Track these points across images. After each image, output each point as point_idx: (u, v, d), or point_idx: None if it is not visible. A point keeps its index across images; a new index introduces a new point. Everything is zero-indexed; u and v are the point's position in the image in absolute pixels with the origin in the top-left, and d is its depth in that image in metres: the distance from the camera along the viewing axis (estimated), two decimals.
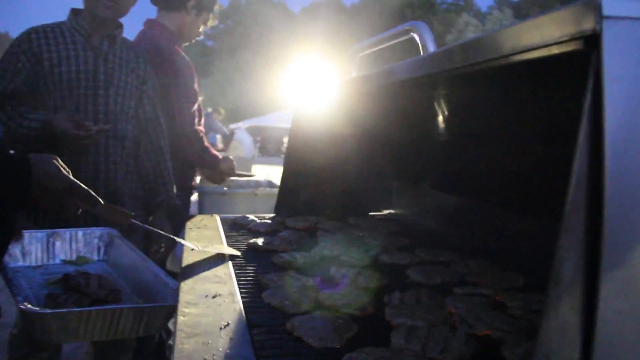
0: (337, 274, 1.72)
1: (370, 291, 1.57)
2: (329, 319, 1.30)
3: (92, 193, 1.38)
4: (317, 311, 1.36)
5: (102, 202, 1.42)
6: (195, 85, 3.30)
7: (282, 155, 6.22)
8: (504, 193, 2.21)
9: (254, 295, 1.57)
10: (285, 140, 10.54)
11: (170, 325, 2.44)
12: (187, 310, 1.41)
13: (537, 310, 1.42)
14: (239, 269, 1.83)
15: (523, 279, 1.69)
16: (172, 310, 1.67)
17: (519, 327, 1.29)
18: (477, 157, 2.45)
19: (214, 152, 3.38)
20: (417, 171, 2.94)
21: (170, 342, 3.32)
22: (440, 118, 2.14)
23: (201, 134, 3.30)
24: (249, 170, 8.63)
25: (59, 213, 1.39)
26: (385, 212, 3.10)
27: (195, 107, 3.26)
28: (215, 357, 1.14)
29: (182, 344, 1.19)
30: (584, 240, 0.70)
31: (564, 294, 0.72)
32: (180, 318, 1.35)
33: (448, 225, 2.52)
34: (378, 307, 1.45)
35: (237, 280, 1.70)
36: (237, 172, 3.47)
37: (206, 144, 3.32)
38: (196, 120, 3.25)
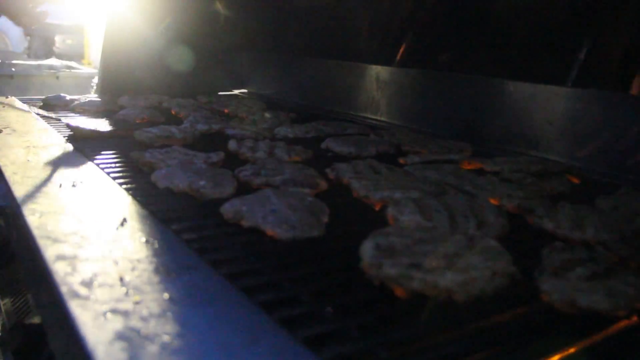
0: (243, 148, 1.27)
1: (302, 164, 1.16)
2: (289, 196, 0.87)
3: None
4: (266, 189, 0.90)
5: None
6: None
7: (55, 57, 5.14)
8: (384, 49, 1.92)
9: (135, 179, 1.05)
10: (58, 39, 8.92)
11: None
12: (36, 207, 0.85)
13: (537, 172, 1.16)
14: (92, 151, 1.27)
15: (471, 145, 1.43)
16: None
17: (532, 191, 1.01)
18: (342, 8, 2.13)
19: None
20: (272, 36, 2.51)
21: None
22: None
23: None
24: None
25: None
26: (237, 91, 2.64)
27: None
28: (139, 277, 0.65)
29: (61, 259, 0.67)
30: None
31: None
32: (31, 219, 0.80)
33: (330, 94, 2.17)
34: (331, 183, 1.07)
35: (97, 164, 1.15)
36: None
37: None
38: None
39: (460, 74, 1.67)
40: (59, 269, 0.66)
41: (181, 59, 2.39)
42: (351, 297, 0.63)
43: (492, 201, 0.97)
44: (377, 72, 1.94)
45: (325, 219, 0.84)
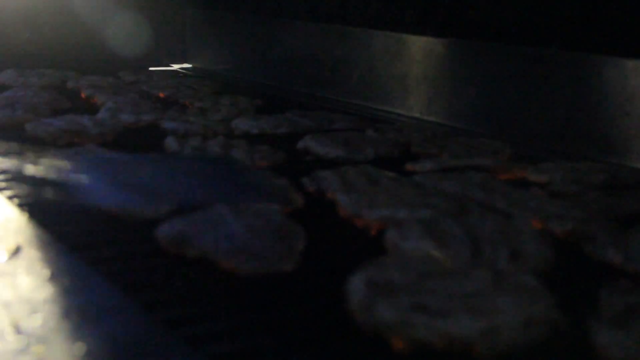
0: (187, 148, 1.34)
1: (269, 172, 1.23)
2: (251, 216, 0.94)
3: None
4: (219, 205, 0.97)
5: None
6: None
7: None
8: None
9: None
10: None
11: None
12: None
13: (603, 184, 1.23)
14: None
15: (509, 146, 1.50)
16: None
17: (594, 210, 1.08)
18: None
19: None
20: None
21: None
22: None
23: None
24: None
25: None
26: (177, 66, 2.71)
27: None
28: (43, 324, 0.71)
29: None
30: None
31: None
32: None
33: (311, 72, 2.24)
34: (309, 197, 1.14)
35: None
36: None
37: None
38: None
39: (496, 43, 1.74)
40: None
41: (94, 17, 2.45)
42: (334, 350, 0.69)
43: (535, 224, 1.04)
44: (378, 40, 2.02)
45: (300, 247, 0.90)
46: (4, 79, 2.08)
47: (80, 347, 0.66)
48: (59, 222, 0.98)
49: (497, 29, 1.76)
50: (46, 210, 1.03)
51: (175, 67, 2.73)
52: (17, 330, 0.68)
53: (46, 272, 0.82)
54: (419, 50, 1.92)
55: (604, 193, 1.19)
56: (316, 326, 0.74)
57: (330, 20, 2.21)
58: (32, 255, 0.87)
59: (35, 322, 0.70)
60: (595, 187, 1.22)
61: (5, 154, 1.29)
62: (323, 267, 0.89)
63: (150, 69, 2.59)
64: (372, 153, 1.43)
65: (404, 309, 0.70)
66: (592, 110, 1.54)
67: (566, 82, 1.59)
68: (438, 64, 1.88)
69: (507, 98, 1.71)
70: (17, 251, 0.87)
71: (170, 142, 1.38)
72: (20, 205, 1.05)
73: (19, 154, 1.26)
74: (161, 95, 2.03)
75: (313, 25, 2.26)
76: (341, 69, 2.15)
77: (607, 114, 1.52)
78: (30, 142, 1.39)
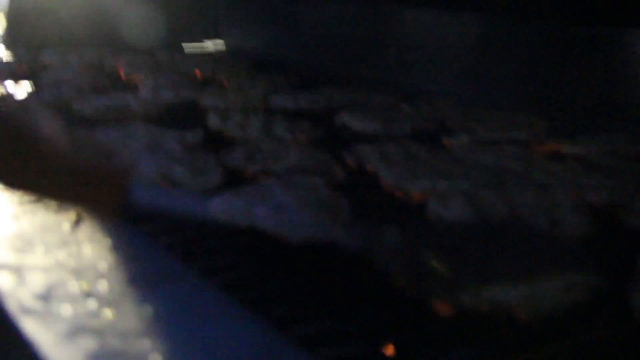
0: (228, 124, 1.38)
1: (310, 146, 1.28)
2: (299, 188, 0.98)
3: None
4: (269, 181, 1.02)
5: None
6: None
7: None
8: None
9: None
10: None
11: None
12: None
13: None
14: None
15: (545, 120, 1.53)
16: None
17: (630, 181, 1.11)
18: None
19: None
20: None
21: None
22: None
23: None
24: None
25: None
26: (210, 42, 2.75)
27: None
28: (110, 289, 0.76)
29: None
30: None
31: None
32: None
33: (346, 48, 2.27)
34: (345, 168, 1.20)
35: None
36: None
37: None
38: None
39: (530, 19, 1.76)
40: (0, 281, 0.77)
41: None
42: (381, 313, 0.73)
43: (572, 195, 1.07)
44: (413, 17, 2.04)
45: (346, 217, 0.95)
46: (46, 58, 2.13)
47: (147, 310, 0.71)
48: None
49: (532, 6, 1.78)
50: None
51: (208, 43, 2.76)
52: (88, 294, 0.74)
53: (107, 242, 0.87)
54: (454, 26, 1.94)
55: (639, 164, 1.22)
56: (359, 289, 0.78)
57: None
58: (92, 225, 0.91)
59: (103, 287, 0.75)
60: (631, 159, 1.25)
61: None
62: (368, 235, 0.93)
63: (184, 44, 2.63)
64: (408, 127, 1.46)
65: (448, 275, 0.74)
66: (627, 84, 1.56)
67: (601, 56, 1.60)
68: (473, 40, 1.90)
69: (542, 73, 1.73)
70: (78, 221, 0.92)
71: (213, 118, 1.42)
72: None
73: None
74: (198, 72, 2.07)
75: (347, 1, 2.28)
76: (376, 46, 2.17)
77: None
78: (78, 120, 1.44)
